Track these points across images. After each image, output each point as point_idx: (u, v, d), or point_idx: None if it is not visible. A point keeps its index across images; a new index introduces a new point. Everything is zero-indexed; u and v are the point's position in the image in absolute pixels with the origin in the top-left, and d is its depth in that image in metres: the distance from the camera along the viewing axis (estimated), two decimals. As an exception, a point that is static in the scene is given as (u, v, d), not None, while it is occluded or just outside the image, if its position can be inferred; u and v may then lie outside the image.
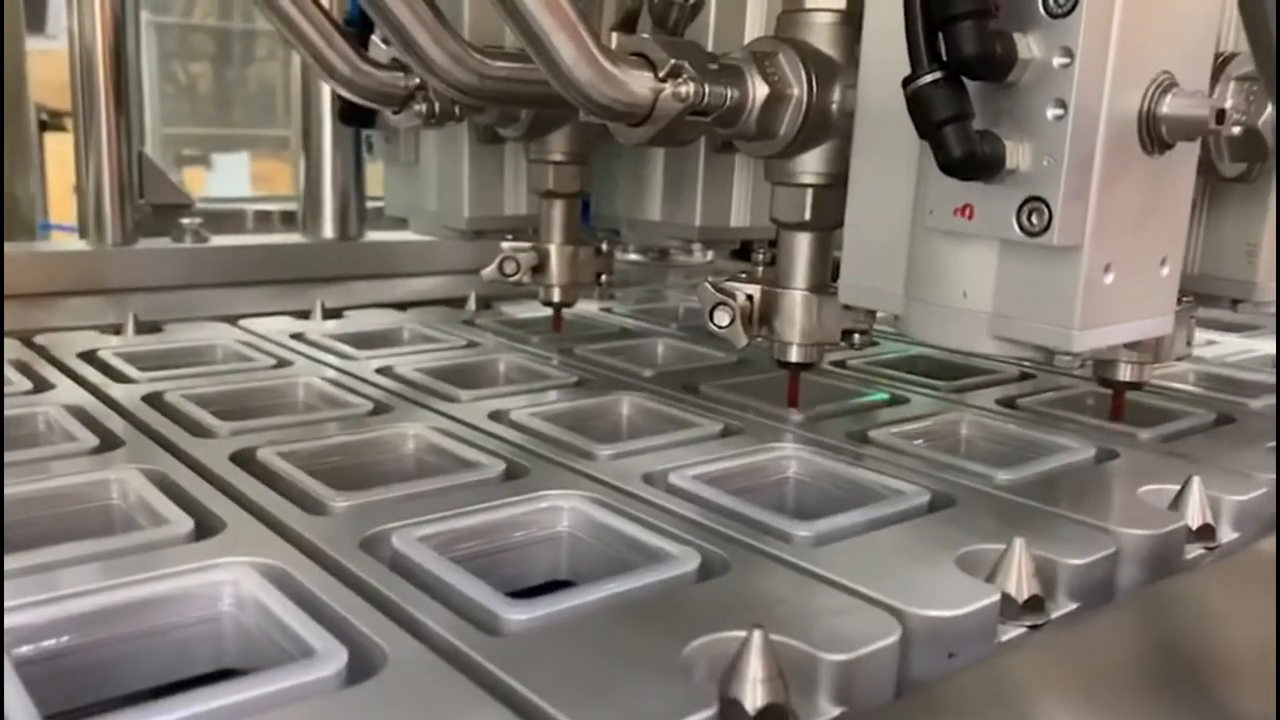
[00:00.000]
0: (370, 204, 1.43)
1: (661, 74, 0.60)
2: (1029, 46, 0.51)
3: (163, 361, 0.88)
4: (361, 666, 0.40)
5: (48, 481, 0.57)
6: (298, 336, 1.00)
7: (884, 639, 0.42)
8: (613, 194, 1.02)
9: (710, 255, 1.59)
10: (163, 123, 4.29)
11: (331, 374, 0.85)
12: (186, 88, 4.68)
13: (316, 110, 1.39)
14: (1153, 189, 0.56)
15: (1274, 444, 0.71)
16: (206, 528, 0.52)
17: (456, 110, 0.89)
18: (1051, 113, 0.51)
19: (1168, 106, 0.53)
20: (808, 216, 0.70)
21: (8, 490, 0.55)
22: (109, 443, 0.65)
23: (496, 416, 0.74)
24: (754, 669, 0.37)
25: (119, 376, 0.82)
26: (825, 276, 0.72)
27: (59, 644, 0.43)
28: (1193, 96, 0.53)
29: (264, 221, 1.90)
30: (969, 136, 0.51)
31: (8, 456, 0.60)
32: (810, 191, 0.70)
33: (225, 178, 4.36)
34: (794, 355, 0.72)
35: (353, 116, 1.00)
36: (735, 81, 0.64)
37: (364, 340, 0.98)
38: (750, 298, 0.72)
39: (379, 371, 0.86)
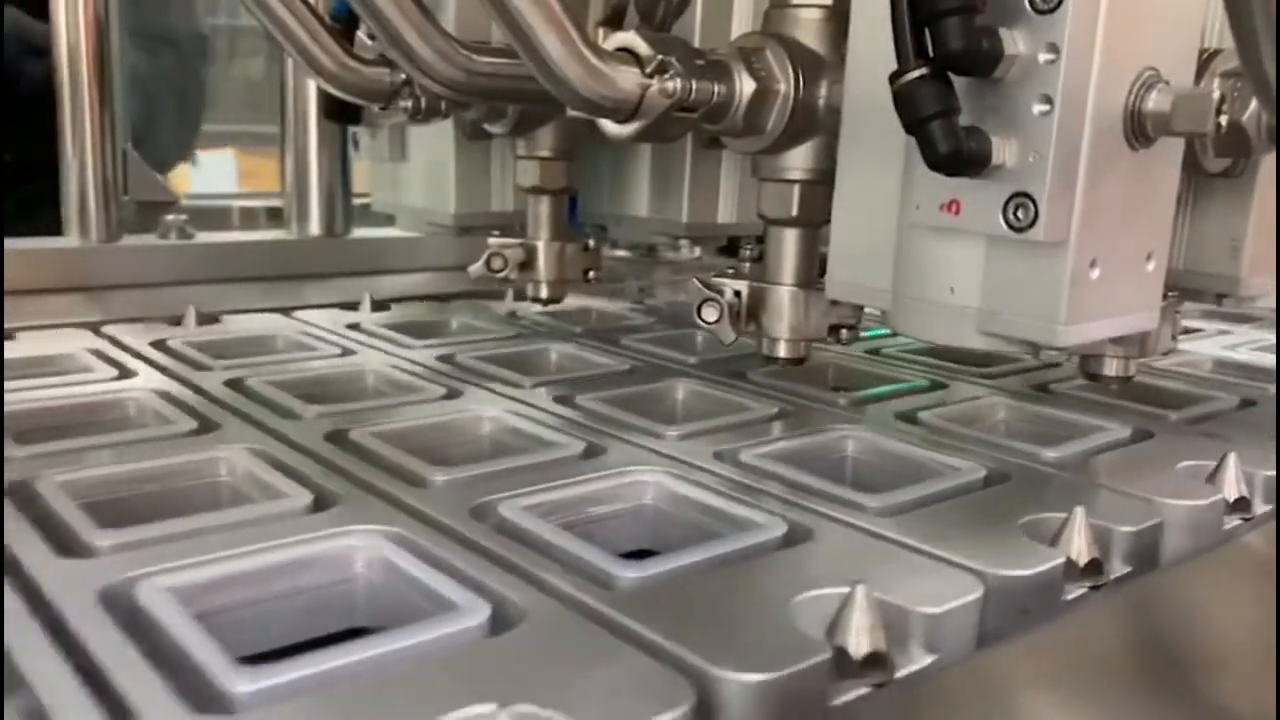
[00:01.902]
0: (357, 200, 1.43)
1: (648, 70, 0.60)
2: (1015, 42, 0.51)
3: (223, 350, 0.88)
4: (500, 620, 0.41)
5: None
6: (354, 326, 1.01)
7: (968, 595, 0.45)
8: (600, 190, 1.02)
9: (698, 251, 1.59)
10: (147, 119, 4.27)
11: (397, 361, 0.87)
12: (171, 84, 4.66)
13: (302, 107, 1.38)
14: (1138, 184, 0.56)
15: None
16: (321, 501, 0.53)
17: (443, 106, 0.88)
18: (1037, 108, 0.51)
19: (1153, 102, 0.53)
20: (795, 212, 0.70)
21: (95, 472, 0.57)
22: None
23: (561, 400, 0.75)
24: (858, 620, 0.40)
25: (198, 365, 0.83)
26: (813, 272, 0.72)
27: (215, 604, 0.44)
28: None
29: (250, 218, 1.89)
30: (955, 132, 0.51)
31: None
32: (797, 187, 0.70)
33: (211, 174, 4.33)
34: (782, 350, 0.73)
35: (338, 113, 0.99)
36: (722, 77, 0.64)
37: (416, 330, 0.99)
38: (738, 293, 0.72)
39: (440, 359, 0.88)
